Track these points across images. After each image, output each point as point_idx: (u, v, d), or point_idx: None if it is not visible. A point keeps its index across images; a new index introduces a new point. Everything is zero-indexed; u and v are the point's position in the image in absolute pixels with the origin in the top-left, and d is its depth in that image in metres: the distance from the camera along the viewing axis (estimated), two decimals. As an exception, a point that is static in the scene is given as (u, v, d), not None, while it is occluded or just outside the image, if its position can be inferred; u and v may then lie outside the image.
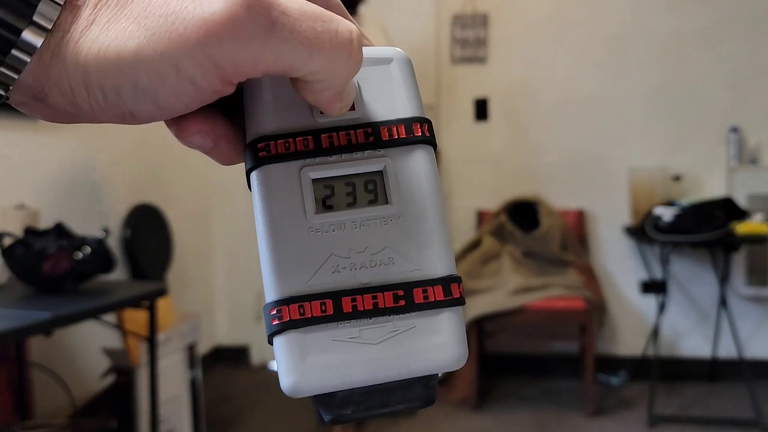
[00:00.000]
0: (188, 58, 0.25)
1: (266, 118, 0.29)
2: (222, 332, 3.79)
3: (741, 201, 3.15)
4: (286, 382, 0.27)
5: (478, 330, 3.05)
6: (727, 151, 3.32)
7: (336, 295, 0.27)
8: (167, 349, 2.34)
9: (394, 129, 0.30)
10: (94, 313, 1.70)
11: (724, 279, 3.10)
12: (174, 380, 2.40)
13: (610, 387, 3.27)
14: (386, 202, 0.29)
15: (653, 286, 3.25)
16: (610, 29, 3.43)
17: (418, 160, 0.29)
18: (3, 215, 1.95)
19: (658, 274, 3.33)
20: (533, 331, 3.43)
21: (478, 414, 3.01)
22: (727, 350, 3.28)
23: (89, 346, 2.54)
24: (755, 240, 2.89)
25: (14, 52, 0.26)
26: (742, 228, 2.83)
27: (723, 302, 3.03)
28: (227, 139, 0.30)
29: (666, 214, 2.95)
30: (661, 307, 3.12)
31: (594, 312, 3.03)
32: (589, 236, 3.48)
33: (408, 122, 0.30)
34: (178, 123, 0.29)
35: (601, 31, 3.44)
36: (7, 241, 1.78)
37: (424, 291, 0.28)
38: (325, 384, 0.27)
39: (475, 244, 3.32)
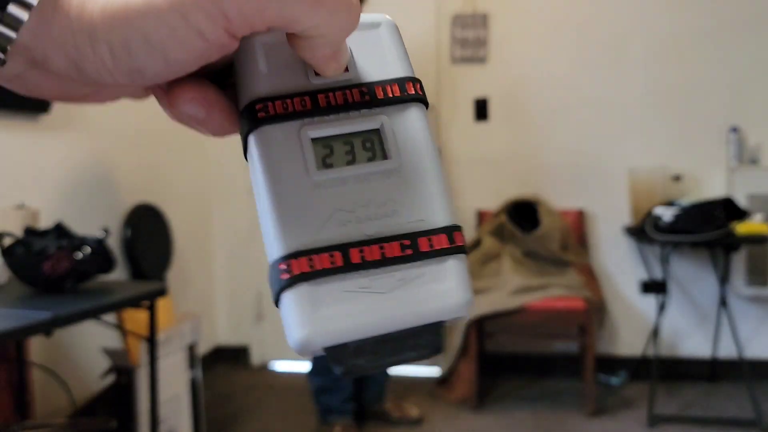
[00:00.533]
0: (197, 7, 0.24)
1: (262, 81, 0.29)
2: (222, 332, 3.80)
3: (741, 201, 3.15)
4: (298, 335, 0.27)
5: (478, 330, 3.06)
6: (727, 151, 3.32)
7: (344, 247, 0.28)
8: (167, 349, 2.34)
9: (388, 88, 0.30)
10: (94, 313, 1.70)
11: (724, 279, 3.10)
12: (174, 380, 2.40)
13: (610, 387, 3.27)
14: (385, 157, 0.29)
15: (653, 286, 3.25)
16: (610, 29, 3.43)
17: (412, 116, 0.30)
18: (3, 215, 1.95)
19: (658, 274, 3.33)
20: (533, 331, 3.43)
21: (478, 414, 3.01)
22: (727, 350, 3.28)
23: (89, 346, 2.54)
24: (755, 240, 2.89)
25: (11, 8, 0.24)
26: (742, 228, 2.83)
27: (723, 302, 3.03)
28: (220, 108, 0.30)
29: (666, 214, 2.95)
30: (661, 307, 3.12)
31: (594, 312, 3.03)
32: (589, 236, 3.48)
33: (401, 81, 0.30)
34: (170, 92, 0.29)
35: (601, 31, 3.44)
36: (7, 241, 1.78)
37: (429, 240, 0.28)
38: (338, 335, 0.27)
39: (475, 244, 3.32)
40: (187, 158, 3.47)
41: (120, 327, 2.19)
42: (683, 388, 3.28)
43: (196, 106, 0.29)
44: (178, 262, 3.24)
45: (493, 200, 3.48)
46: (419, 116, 0.30)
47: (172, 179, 3.29)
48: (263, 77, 0.29)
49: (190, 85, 0.29)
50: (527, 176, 3.51)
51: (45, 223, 2.06)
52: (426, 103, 0.31)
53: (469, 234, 3.47)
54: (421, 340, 0.28)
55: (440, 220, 0.29)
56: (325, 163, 0.29)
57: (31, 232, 1.84)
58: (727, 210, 2.87)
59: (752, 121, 3.33)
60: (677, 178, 3.33)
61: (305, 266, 0.27)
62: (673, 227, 2.88)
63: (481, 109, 3.54)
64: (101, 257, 1.83)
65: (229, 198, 3.68)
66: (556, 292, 3.03)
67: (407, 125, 0.30)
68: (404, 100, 0.30)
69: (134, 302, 1.86)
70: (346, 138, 0.29)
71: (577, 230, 3.43)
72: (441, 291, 0.28)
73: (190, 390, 2.54)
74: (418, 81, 0.31)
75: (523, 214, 3.35)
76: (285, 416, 3.00)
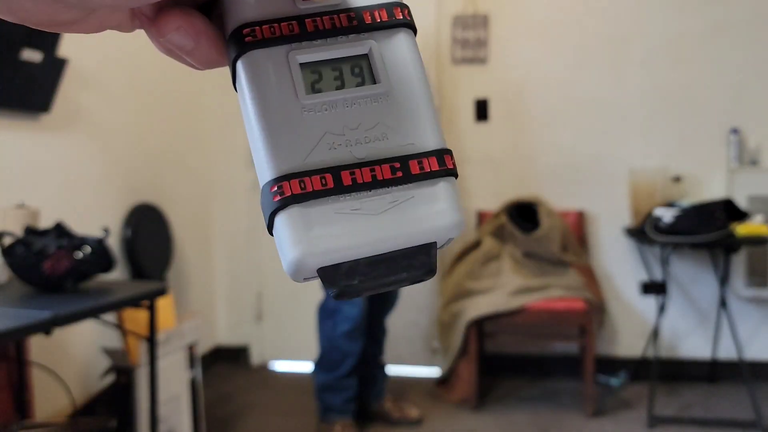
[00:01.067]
0: None
1: (249, 7, 0.29)
2: (222, 332, 3.80)
3: (741, 202, 3.15)
4: (292, 255, 0.27)
5: (478, 330, 3.05)
6: (728, 153, 3.32)
7: (335, 170, 0.28)
8: (167, 348, 2.34)
9: (376, 13, 0.30)
10: (94, 313, 1.71)
11: (724, 280, 3.10)
12: (174, 380, 2.40)
13: (609, 388, 3.27)
14: (374, 82, 0.29)
15: (653, 287, 3.25)
16: (610, 30, 3.43)
17: (401, 42, 0.30)
18: (3, 215, 1.95)
19: (658, 275, 3.33)
20: (533, 331, 3.43)
21: (478, 414, 3.01)
22: (726, 351, 3.28)
23: (89, 345, 2.54)
24: (755, 241, 2.89)
25: None
26: (742, 229, 2.83)
27: (723, 303, 3.03)
28: (207, 37, 0.29)
29: (666, 215, 2.95)
30: (661, 308, 3.12)
31: (594, 313, 3.03)
32: (589, 237, 3.48)
33: (389, 6, 0.30)
34: (156, 21, 0.28)
35: (601, 32, 3.44)
36: (8, 241, 1.78)
37: (420, 162, 0.28)
38: (331, 255, 0.27)
39: (475, 245, 3.32)
40: (187, 158, 3.47)
41: (120, 327, 2.19)
42: (683, 389, 3.28)
43: (184, 34, 0.28)
44: (178, 262, 3.24)
45: (494, 201, 3.48)
46: (408, 41, 0.30)
47: (172, 179, 3.29)
48: (250, 3, 0.29)
49: (177, 13, 0.28)
50: (527, 177, 3.51)
51: (45, 222, 2.07)
52: (414, 29, 0.31)
53: (469, 235, 3.47)
54: (414, 261, 0.28)
55: (430, 143, 0.29)
56: (314, 89, 0.29)
57: (31, 231, 1.84)
58: (728, 211, 2.87)
59: (752, 123, 3.33)
60: (677, 179, 3.33)
61: (297, 188, 0.27)
62: (673, 228, 2.88)
63: (482, 110, 3.54)
64: (101, 257, 1.83)
65: (229, 198, 3.68)
66: (556, 293, 3.03)
67: (396, 50, 0.30)
68: (392, 25, 0.30)
69: (134, 302, 1.86)
70: (335, 63, 0.29)
71: (577, 231, 3.43)
72: (432, 212, 0.28)
73: (189, 390, 2.54)
74: (406, 6, 0.31)
75: (524, 214, 3.35)
76: (285, 416, 3.00)
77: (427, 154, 0.29)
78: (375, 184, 0.28)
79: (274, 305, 3.73)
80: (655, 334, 3.17)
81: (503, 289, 3.06)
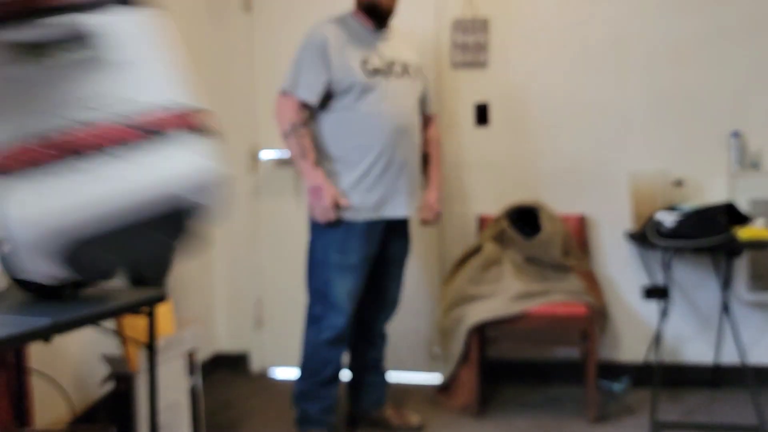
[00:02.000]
0: None
1: None
2: (222, 339, 3.78)
3: (743, 206, 3.13)
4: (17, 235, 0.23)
5: (480, 336, 3.04)
6: (729, 156, 3.32)
7: (44, 136, 0.24)
8: (167, 355, 2.33)
9: None
10: (94, 320, 1.69)
11: (726, 284, 3.09)
12: (174, 387, 2.39)
13: (612, 393, 3.25)
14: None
15: (655, 292, 3.24)
16: (611, 34, 3.42)
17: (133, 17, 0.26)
18: (2, 221, 1.94)
19: (660, 279, 3.32)
20: (535, 337, 3.42)
21: (480, 421, 2.99)
22: (729, 356, 3.27)
23: (88, 352, 2.53)
24: (757, 245, 2.88)
25: None
26: (744, 233, 2.82)
27: (725, 308, 3.02)
28: None
29: (668, 219, 2.94)
30: (664, 313, 3.10)
31: (596, 318, 3.02)
32: (590, 241, 3.47)
33: None
34: None
35: (602, 36, 3.43)
36: (6, 247, 1.77)
37: (151, 117, 0.25)
38: (52, 229, 0.23)
39: (476, 250, 3.30)
40: (187, 164, 3.46)
41: (119, 333, 2.18)
42: (686, 394, 3.26)
43: None
44: (177, 269, 3.23)
45: (494, 205, 3.47)
46: (137, 19, 0.27)
47: (172, 185, 3.28)
48: None
49: None
50: (528, 181, 3.50)
51: (44, 228, 2.05)
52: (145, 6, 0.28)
53: (470, 239, 3.46)
54: (161, 230, 0.24)
55: (161, 98, 0.25)
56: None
57: (30, 237, 1.83)
58: (729, 215, 2.86)
59: (753, 126, 3.33)
60: (679, 183, 3.32)
61: None
62: (675, 232, 2.87)
63: (482, 114, 3.54)
64: (100, 263, 1.82)
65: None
66: (558, 298, 3.01)
67: (124, 26, 0.26)
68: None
69: (133, 308, 1.85)
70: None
71: (579, 235, 3.41)
72: (170, 168, 0.24)
73: (189, 397, 2.53)
74: None
75: (525, 219, 3.34)
76: (284, 424, 2.99)
77: (159, 109, 0.25)
78: (97, 144, 0.24)
79: (274, 312, 3.72)
80: (657, 338, 3.16)
81: (504, 294, 3.05)
